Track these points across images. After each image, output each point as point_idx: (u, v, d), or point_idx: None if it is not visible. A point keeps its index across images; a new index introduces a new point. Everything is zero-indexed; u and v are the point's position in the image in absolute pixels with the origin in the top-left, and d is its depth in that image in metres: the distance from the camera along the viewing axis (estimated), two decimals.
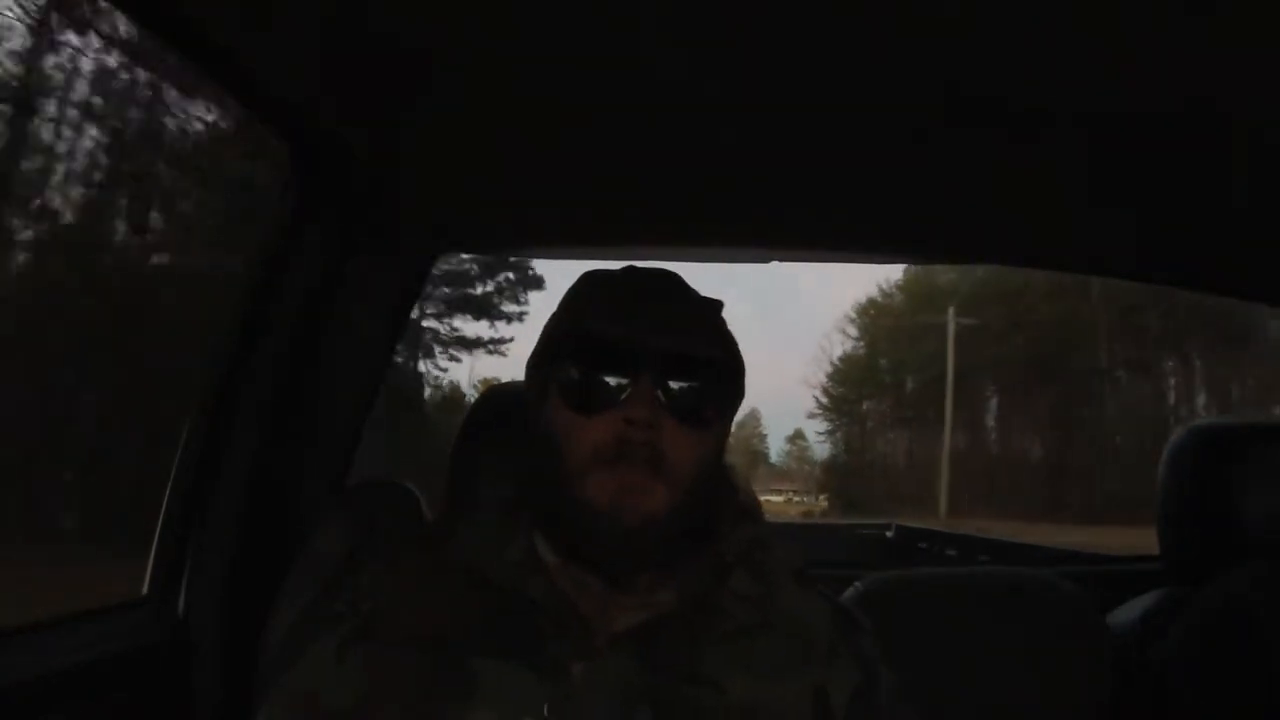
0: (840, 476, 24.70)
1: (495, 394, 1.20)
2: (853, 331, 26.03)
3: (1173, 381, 19.52)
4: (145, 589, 1.17)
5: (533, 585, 0.71)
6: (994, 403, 22.00)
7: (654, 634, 0.69)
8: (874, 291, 25.47)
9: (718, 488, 0.76)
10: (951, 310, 20.78)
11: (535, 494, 0.74)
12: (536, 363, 0.76)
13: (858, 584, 1.19)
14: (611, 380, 0.69)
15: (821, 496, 24.56)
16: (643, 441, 0.68)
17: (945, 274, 21.63)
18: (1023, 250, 1.56)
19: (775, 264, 1.65)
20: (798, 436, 29.05)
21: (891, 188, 1.22)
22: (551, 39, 0.85)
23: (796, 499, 25.14)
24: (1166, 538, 1.38)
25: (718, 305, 0.77)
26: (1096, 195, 1.20)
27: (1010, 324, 20.26)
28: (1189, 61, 0.82)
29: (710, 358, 0.72)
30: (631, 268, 0.78)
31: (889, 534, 4.66)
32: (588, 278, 0.78)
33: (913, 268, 23.29)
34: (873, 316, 25.51)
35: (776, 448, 30.35)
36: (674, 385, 0.69)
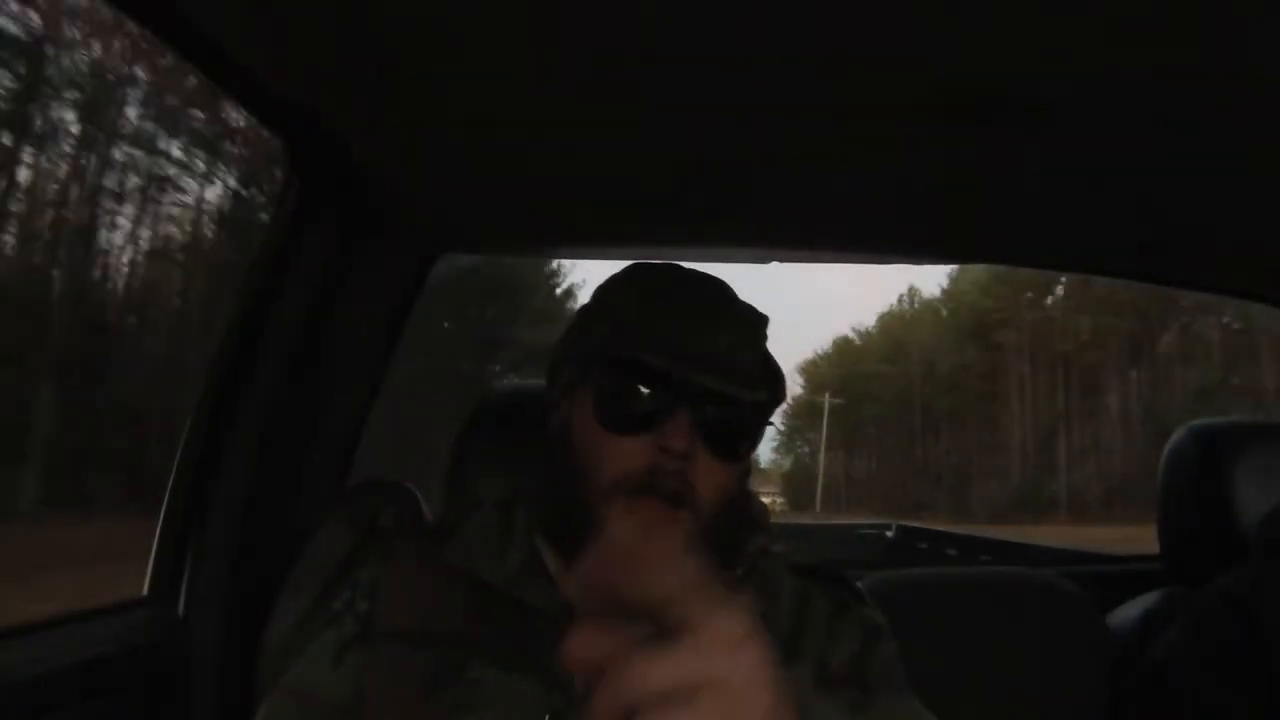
0: (793, 484, 36.21)
1: (496, 395, 1.20)
2: (800, 380, 40.19)
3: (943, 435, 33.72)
4: (145, 589, 1.17)
5: (534, 591, 0.70)
6: (855, 446, 37.13)
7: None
8: (811, 354, 40.67)
9: (740, 509, 0.74)
10: (827, 395, 35.94)
11: (550, 502, 0.72)
12: (565, 359, 0.73)
13: (858, 584, 1.19)
14: (650, 403, 0.66)
15: (782, 498, 34.87)
16: (675, 472, 0.66)
17: (840, 362, 38.09)
18: (1023, 250, 1.56)
19: (775, 265, 1.65)
20: (780, 445, 40.18)
21: (892, 188, 1.22)
22: (552, 39, 0.84)
23: (778, 500, 33.43)
24: (1166, 538, 1.38)
25: (762, 322, 0.74)
26: (1096, 195, 1.20)
27: (860, 399, 35.51)
28: (1190, 60, 0.82)
29: (753, 395, 0.68)
30: (678, 272, 0.74)
31: (889, 534, 4.65)
32: (629, 279, 0.74)
33: (842, 340, 39.53)
34: (810, 375, 39.73)
35: (765, 455, 39.26)
36: (713, 416, 0.67)
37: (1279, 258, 1.36)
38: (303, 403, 1.29)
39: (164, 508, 1.19)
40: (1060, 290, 29.41)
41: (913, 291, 37.11)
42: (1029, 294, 30.09)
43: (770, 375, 0.72)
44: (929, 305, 36.27)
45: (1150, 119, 0.95)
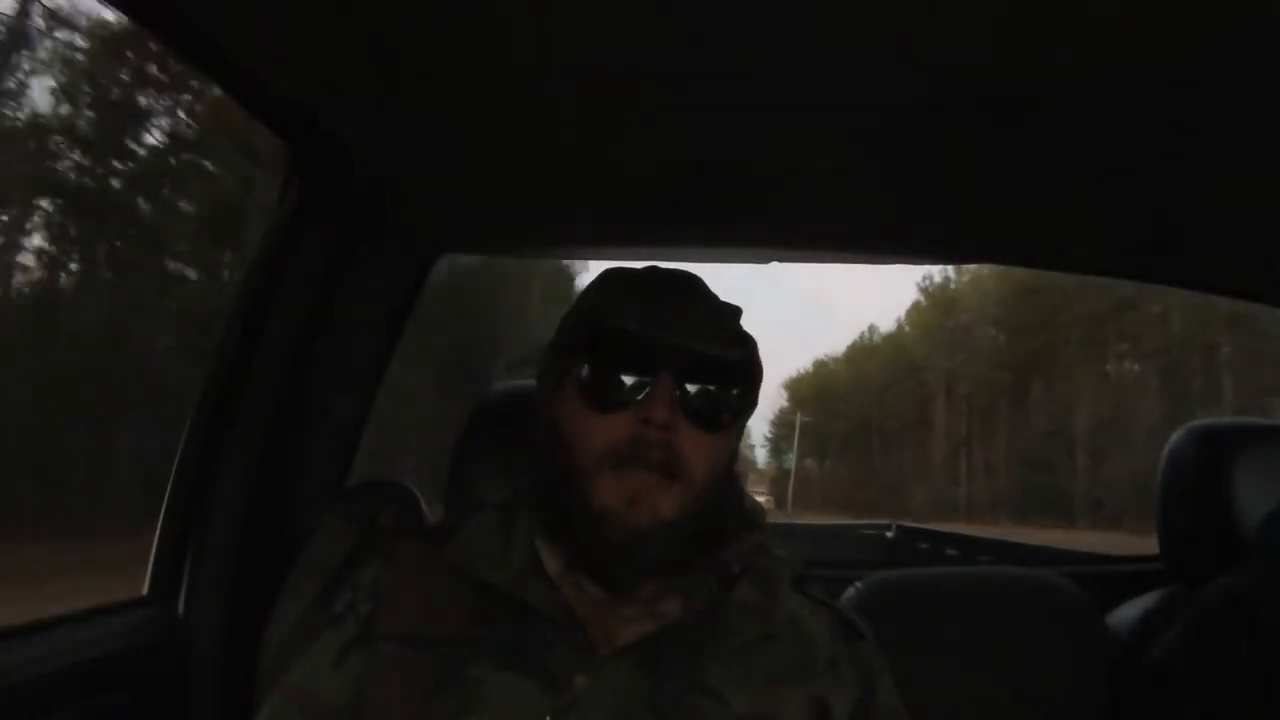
0: (780, 486, 40.19)
1: (496, 395, 1.20)
2: (785, 395, 46.47)
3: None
4: (145, 589, 1.17)
5: (534, 592, 0.70)
6: (826, 457, 44.11)
7: (659, 645, 0.68)
8: (794, 373, 47.08)
9: (727, 493, 0.75)
10: (799, 414, 42.57)
11: (542, 493, 0.73)
12: (551, 357, 0.75)
13: (858, 584, 1.19)
14: (629, 379, 0.68)
15: (770, 497, 37.44)
16: (659, 443, 0.67)
17: (812, 381, 45.24)
18: (1023, 250, 1.55)
19: (775, 265, 1.65)
20: (771, 451, 45.58)
21: (891, 188, 1.22)
22: (551, 39, 0.85)
23: (768, 499, 36.52)
24: (1166, 538, 1.38)
25: (737, 310, 0.76)
26: (1096, 195, 1.20)
27: (830, 417, 42.69)
28: (1190, 60, 0.82)
29: (729, 361, 0.71)
30: (653, 267, 0.77)
31: (889, 534, 4.65)
32: (609, 275, 0.77)
33: (820, 362, 45.93)
34: (793, 391, 46.18)
35: (761, 459, 43.70)
36: (691, 387, 0.69)
37: (1279, 258, 1.36)
38: (303, 403, 1.29)
39: (164, 507, 1.19)
40: (981, 338, 37.20)
41: (873, 329, 45.21)
42: (949, 341, 37.85)
43: (743, 340, 0.74)
44: (886, 341, 43.26)
45: (1150, 119, 0.95)
